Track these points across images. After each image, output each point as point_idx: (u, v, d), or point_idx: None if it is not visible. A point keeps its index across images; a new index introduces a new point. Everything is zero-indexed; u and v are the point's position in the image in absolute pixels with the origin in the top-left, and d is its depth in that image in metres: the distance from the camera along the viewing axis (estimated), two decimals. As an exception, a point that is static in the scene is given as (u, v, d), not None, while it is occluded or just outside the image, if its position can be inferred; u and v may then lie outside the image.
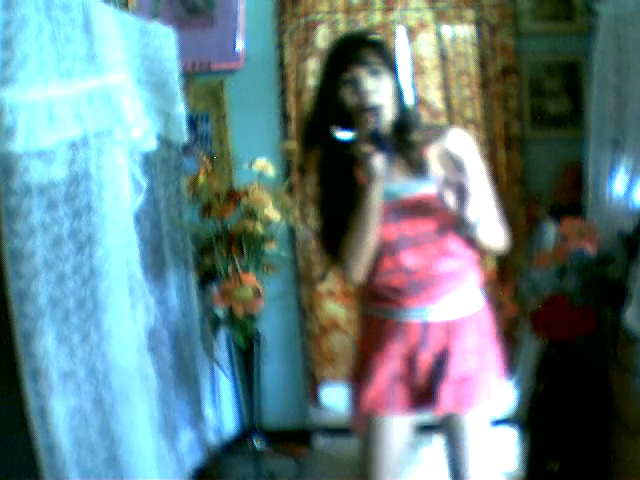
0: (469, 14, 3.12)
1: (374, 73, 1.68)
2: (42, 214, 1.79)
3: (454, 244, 1.75)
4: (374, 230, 1.70)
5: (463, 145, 1.75)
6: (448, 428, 1.89)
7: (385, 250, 1.74)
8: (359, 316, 1.96)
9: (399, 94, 1.73)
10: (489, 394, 1.85)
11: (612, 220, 2.50)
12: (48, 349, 1.80)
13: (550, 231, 2.82)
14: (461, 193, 1.61)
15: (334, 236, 1.76)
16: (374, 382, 1.81)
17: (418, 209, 1.72)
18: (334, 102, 1.70)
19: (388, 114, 1.70)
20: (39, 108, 1.71)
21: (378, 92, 1.68)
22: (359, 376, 1.86)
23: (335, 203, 1.76)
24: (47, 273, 1.81)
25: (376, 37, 1.80)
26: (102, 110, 1.97)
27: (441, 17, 3.14)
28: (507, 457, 2.86)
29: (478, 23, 3.11)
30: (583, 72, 3.04)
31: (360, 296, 1.93)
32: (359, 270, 1.75)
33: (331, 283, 3.34)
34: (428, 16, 3.15)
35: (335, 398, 3.40)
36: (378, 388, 1.81)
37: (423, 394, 1.81)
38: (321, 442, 3.32)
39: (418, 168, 1.71)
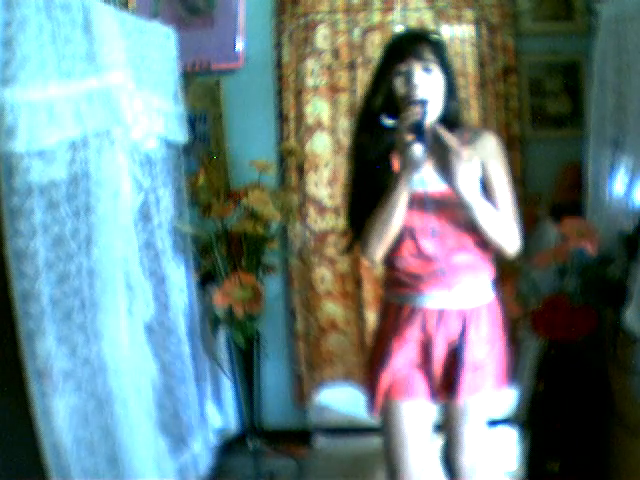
0: (469, 14, 3.12)
1: (427, 69, 1.79)
2: (42, 214, 1.79)
3: (470, 239, 1.86)
4: (399, 215, 1.79)
5: (491, 147, 1.89)
6: (450, 414, 1.95)
7: (408, 235, 1.84)
8: (380, 305, 2.07)
9: (448, 94, 1.84)
10: (496, 384, 1.94)
11: (612, 220, 2.50)
12: (50, 349, 1.79)
13: (550, 231, 2.82)
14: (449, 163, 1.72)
15: (360, 214, 1.86)
16: (392, 367, 1.88)
17: (442, 203, 1.83)
18: (386, 90, 1.81)
19: (433, 110, 1.79)
20: (39, 108, 1.71)
21: (427, 87, 1.78)
22: (377, 361, 1.92)
23: (367, 183, 1.86)
24: (48, 273, 1.81)
25: (435, 37, 1.90)
26: (102, 110, 1.98)
27: (440, 17, 3.14)
28: (507, 457, 2.86)
29: (478, 23, 3.11)
30: (583, 72, 3.03)
31: (383, 284, 2.03)
32: (379, 250, 1.85)
33: (329, 283, 3.34)
34: (427, 16, 3.15)
35: (334, 398, 3.41)
36: (396, 373, 1.89)
37: (440, 384, 1.89)
38: (321, 442, 3.32)
39: (449, 166, 1.77)
